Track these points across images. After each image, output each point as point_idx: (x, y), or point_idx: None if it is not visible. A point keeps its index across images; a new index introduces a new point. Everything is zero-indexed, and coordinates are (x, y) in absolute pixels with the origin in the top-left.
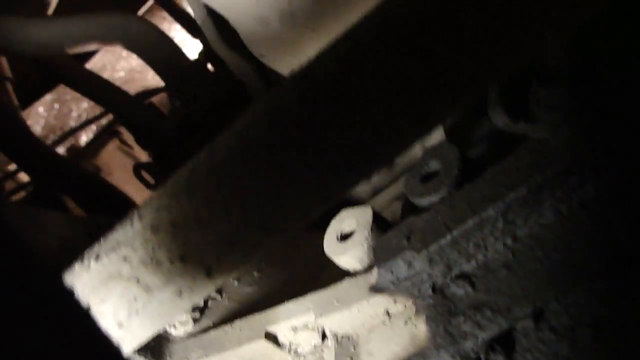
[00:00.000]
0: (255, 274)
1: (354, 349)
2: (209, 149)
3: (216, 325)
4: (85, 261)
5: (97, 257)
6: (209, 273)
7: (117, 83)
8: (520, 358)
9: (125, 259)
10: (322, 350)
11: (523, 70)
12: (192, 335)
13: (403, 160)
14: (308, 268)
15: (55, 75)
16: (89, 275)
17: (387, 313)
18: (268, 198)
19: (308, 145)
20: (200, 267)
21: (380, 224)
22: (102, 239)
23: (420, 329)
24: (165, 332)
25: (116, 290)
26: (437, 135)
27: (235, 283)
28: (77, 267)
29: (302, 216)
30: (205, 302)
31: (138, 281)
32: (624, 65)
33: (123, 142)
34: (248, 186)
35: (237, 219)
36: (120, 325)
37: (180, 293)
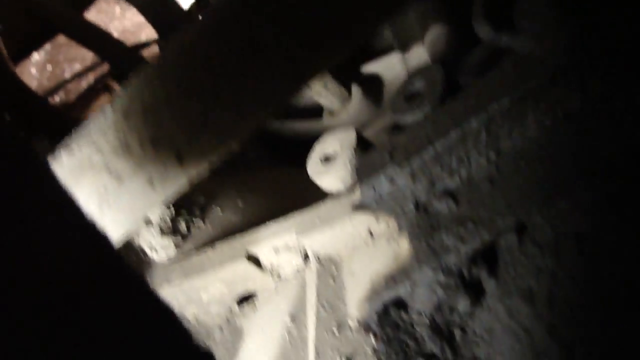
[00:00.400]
0: (240, 203)
1: (336, 269)
2: (182, 31)
3: (198, 249)
4: (58, 153)
5: (69, 149)
6: (180, 158)
7: None
8: (503, 272)
9: (96, 147)
10: (304, 271)
11: None
12: (173, 259)
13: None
14: (292, 196)
15: (51, 24)
16: (62, 169)
17: (370, 232)
18: (240, 77)
19: (281, 20)
20: (171, 151)
21: (364, 146)
22: (74, 131)
23: (403, 247)
24: (147, 256)
25: (87, 180)
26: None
27: (219, 211)
28: (51, 161)
29: (276, 97)
30: (188, 228)
31: (109, 170)
32: None
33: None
34: (220, 65)
35: (208, 99)
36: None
37: (151, 181)
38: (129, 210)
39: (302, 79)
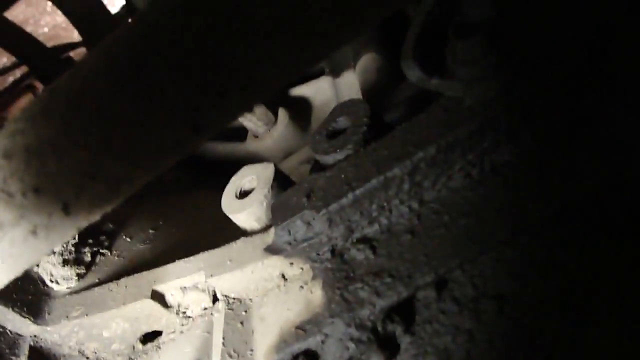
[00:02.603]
0: (151, 231)
1: (246, 312)
2: (73, 69)
3: (102, 282)
4: None
5: None
6: (66, 209)
7: (41, 39)
8: (419, 329)
9: None
10: (211, 313)
11: (442, 23)
12: (74, 291)
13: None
14: (207, 229)
15: None
16: None
17: (283, 276)
18: (135, 124)
19: (180, 63)
20: (57, 201)
21: (282, 182)
22: None
23: (316, 294)
24: (47, 287)
25: None
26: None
27: (128, 240)
28: None
29: (176, 148)
30: (93, 257)
31: None
32: (544, 20)
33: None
34: (112, 110)
35: (98, 147)
36: None
37: (34, 231)
38: (10, 259)
39: (205, 129)
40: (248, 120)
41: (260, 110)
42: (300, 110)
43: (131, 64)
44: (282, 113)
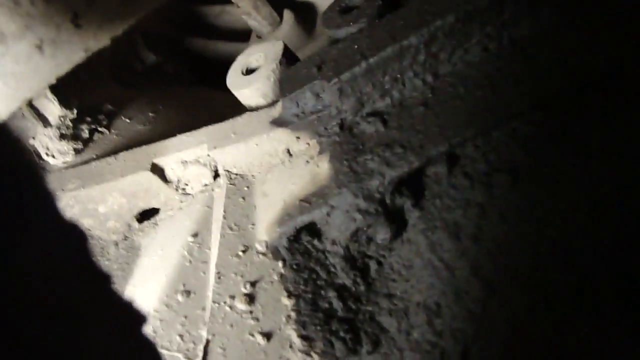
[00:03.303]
0: (150, 114)
1: (248, 188)
2: None
3: (100, 158)
4: None
5: None
6: (76, 20)
7: None
8: (429, 204)
9: None
10: (212, 189)
11: None
12: (71, 165)
13: None
14: (208, 114)
15: None
16: None
17: (288, 152)
18: None
19: None
20: (67, 9)
21: (290, 59)
22: None
23: (323, 169)
24: (41, 159)
25: None
26: None
27: (127, 121)
28: None
29: None
30: (91, 134)
31: None
32: None
33: None
34: None
35: None
36: None
37: (40, 46)
38: (12, 80)
39: None
40: (253, 19)
41: (266, 9)
42: (306, 14)
43: None
44: (287, 14)
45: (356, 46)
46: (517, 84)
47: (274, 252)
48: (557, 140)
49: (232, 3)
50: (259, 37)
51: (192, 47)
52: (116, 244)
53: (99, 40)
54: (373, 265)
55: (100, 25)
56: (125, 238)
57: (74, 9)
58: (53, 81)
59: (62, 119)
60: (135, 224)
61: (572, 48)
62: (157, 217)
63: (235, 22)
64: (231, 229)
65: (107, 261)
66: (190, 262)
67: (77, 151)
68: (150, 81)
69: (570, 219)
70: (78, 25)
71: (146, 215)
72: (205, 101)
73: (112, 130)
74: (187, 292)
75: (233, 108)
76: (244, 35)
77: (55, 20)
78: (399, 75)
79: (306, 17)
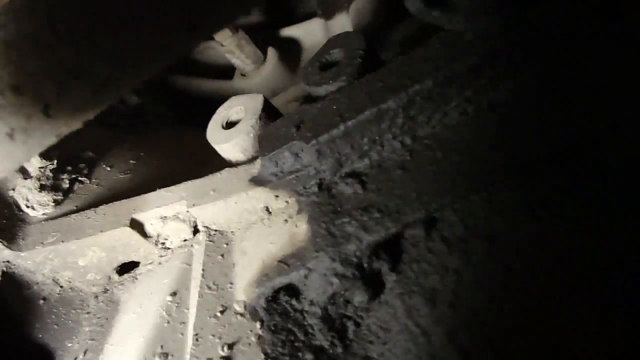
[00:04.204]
0: (132, 161)
1: (227, 245)
2: None
3: (80, 209)
4: None
5: None
6: (47, 110)
7: None
8: (406, 268)
9: None
10: (191, 245)
11: None
12: (51, 217)
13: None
14: (190, 163)
15: None
16: None
17: (267, 209)
18: (126, 21)
19: None
20: (37, 101)
21: (270, 114)
22: None
23: (301, 228)
24: (22, 212)
25: None
26: (344, 25)
27: (108, 169)
28: None
29: (166, 46)
30: (71, 184)
31: None
32: None
33: None
34: (102, 3)
35: (83, 44)
36: None
37: (12, 135)
38: None
39: (200, 29)
40: (236, 58)
41: (249, 48)
42: (290, 51)
43: None
44: (271, 52)
45: (335, 107)
46: (494, 149)
47: (252, 312)
48: (534, 206)
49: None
50: (243, 75)
51: (175, 85)
52: (96, 296)
53: (70, 126)
54: (351, 326)
55: (71, 114)
56: (105, 291)
57: (44, 101)
58: (25, 162)
59: (42, 170)
60: (115, 276)
61: (550, 114)
62: (137, 271)
63: (219, 58)
64: (209, 288)
65: (86, 314)
66: (168, 322)
67: (57, 202)
68: (132, 123)
69: (546, 287)
70: (49, 115)
71: (126, 267)
72: (188, 143)
73: (93, 180)
74: (165, 355)
75: (215, 152)
76: (228, 71)
77: (25, 111)
78: (377, 137)
79: (290, 55)
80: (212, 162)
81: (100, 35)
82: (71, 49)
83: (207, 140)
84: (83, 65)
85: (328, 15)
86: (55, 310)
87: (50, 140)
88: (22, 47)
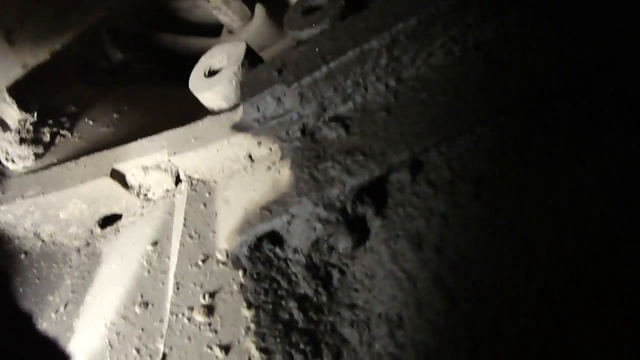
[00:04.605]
0: (115, 115)
1: (209, 194)
2: None
3: (61, 162)
4: None
5: None
6: (9, 37)
7: None
8: (391, 213)
9: None
10: (173, 195)
11: None
12: (31, 171)
13: None
14: (173, 117)
15: None
16: None
17: (250, 157)
18: None
19: None
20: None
21: (253, 61)
22: None
23: (284, 175)
24: (2, 165)
25: None
26: None
27: (90, 123)
28: None
29: None
30: (52, 138)
31: None
32: None
33: None
34: None
35: None
36: None
37: None
38: None
39: None
40: (223, 14)
41: (236, 4)
42: (277, 8)
43: None
44: (259, 8)
45: (317, 49)
46: (481, 89)
47: (235, 260)
48: (521, 147)
49: None
50: (230, 32)
51: (161, 43)
52: (78, 250)
53: (36, 56)
54: (335, 274)
55: (36, 41)
56: (88, 244)
57: (6, 26)
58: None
59: (21, 122)
60: (98, 230)
61: (538, 53)
62: (119, 223)
63: (207, 17)
64: (191, 237)
65: (69, 268)
66: (149, 271)
67: (37, 155)
68: (117, 80)
69: (533, 229)
70: (12, 42)
71: (109, 220)
72: (173, 100)
73: (75, 133)
74: (145, 304)
75: (201, 107)
76: (215, 30)
77: None
78: (361, 80)
79: (278, 11)
80: (196, 115)
81: None
82: None
83: (194, 97)
84: None
85: None
86: (36, 264)
87: (16, 71)
88: None
